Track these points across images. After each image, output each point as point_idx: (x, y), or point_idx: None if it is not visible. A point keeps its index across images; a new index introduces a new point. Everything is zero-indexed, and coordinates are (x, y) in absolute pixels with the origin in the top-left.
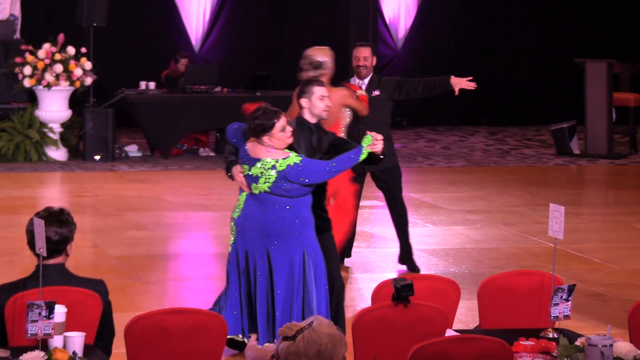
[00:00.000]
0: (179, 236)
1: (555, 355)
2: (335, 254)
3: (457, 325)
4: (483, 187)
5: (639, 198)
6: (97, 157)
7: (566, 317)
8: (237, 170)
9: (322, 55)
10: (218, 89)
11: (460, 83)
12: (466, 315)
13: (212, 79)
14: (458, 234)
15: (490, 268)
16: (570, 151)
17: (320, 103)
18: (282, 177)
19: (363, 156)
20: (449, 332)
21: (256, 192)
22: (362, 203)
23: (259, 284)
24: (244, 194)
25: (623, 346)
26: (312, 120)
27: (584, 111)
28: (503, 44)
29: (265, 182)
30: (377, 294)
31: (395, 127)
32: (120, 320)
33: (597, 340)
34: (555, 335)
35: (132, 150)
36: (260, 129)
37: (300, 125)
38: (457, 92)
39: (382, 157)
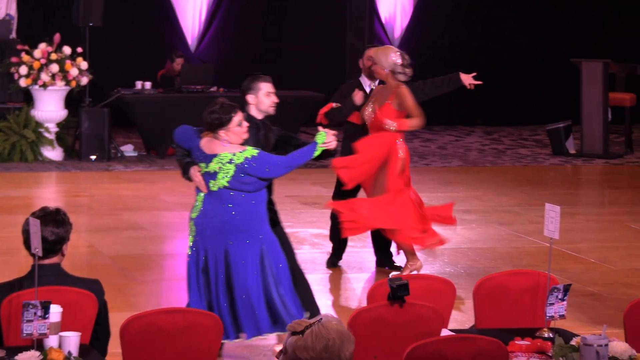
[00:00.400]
0: (175, 236)
1: (550, 354)
2: (289, 245)
3: (452, 324)
4: (479, 187)
5: (635, 198)
6: (93, 157)
7: (562, 316)
8: (194, 170)
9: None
10: (214, 88)
11: (468, 79)
12: (462, 315)
13: (208, 78)
14: (453, 234)
15: (486, 268)
16: (566, 151)
17: (267, 99)
18: (241, 170)
19: (317, 152)
20: (445, 332)
21: (215, 188)
22: None
23: (220, 281)
24: (202, 194)
25: (618, 346)
26: (259, 116)
27: (579, 111)
28: (498, 44)
29: (224, 177)
30: (372, 293)
31: None
32: (116, 320)
33: (593, 339)
34: (551, 335)
35: (128, 150)
36: (217, 123)
37: (247, 122)
38: (469, 86)
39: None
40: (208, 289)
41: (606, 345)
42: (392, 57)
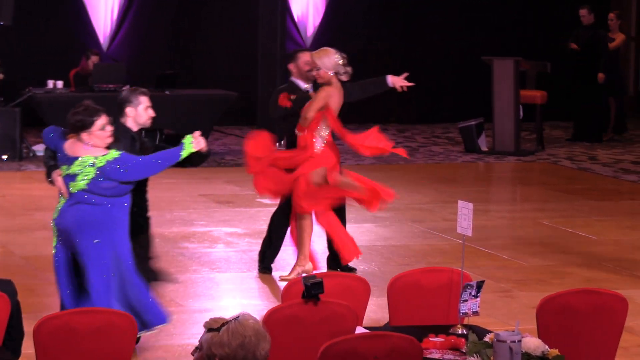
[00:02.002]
0: None
1: (464, 351)
2: (153, 254)
3: (367, 322)
4: (392, 184)
5: (546, 194)
6: (4, 157)
7: (475, 313)
8: (56, 174)
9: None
10: (126, 87)
11: (398, 81)
12: (376, 312)
13: (120, 77)
14: (367, 232)
15: (400, 265)
16: (478, 148)
17: (145, 113)
18: (102, 173)
19: (185, 153)
20: (359, 330)
21: (74, 190)
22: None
23: (81, 280)
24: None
25: (531, 342)
26: (135, 128)
27: (491, 109)
28: (412, 42)
29: (82, 180)
30: (287, 292)
31: None
32: (30, 321)
33: (506, 336)
34: (465, 332)
35: (40, 149)
36: (80, 125)
37: (122, 133)
38: (399, 89)
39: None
40: (76, 287)
41: (519, 341)
42: (335, 59)
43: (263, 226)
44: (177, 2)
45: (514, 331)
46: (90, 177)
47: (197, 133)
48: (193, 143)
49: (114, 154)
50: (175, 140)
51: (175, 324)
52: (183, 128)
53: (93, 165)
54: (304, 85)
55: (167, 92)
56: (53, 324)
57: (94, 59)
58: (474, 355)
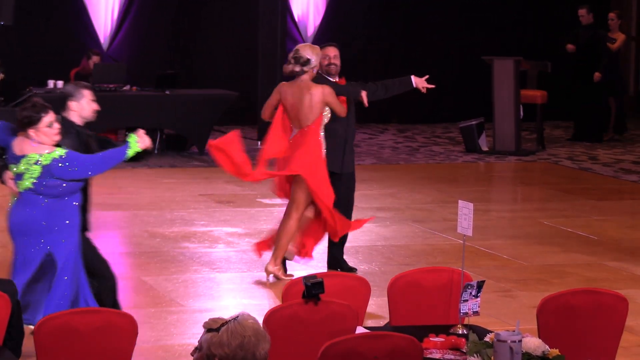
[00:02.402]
0: None
1: (464, 351)
2: (97, 251)
3: (367, 322)
4: (392, 184)
5: (547, 194)
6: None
7: (475, 313)
8: (7, 176)
9: (310, 52)
10: (127, 87)
11: (421, 82)
12: (376, 312)
13: (121, 77)
14: (368, 232)
15: (400, 265)
16: (479, 148)
17: (88, 107)
18: (47, 172)
19: (131, 152)
20: (360, 329)
21: (21, 190)
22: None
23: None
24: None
25: (532, 341)
26: (80, 122)
27: (491, 108)
28: (412, 42)
29: (29, 178)
30: (287, 291)
31: None
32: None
33: (506, 335)
34: (465, 332)
35: None
36: (27, 121)
37: (66, 128)
38: (423, 90)
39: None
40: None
41: (520, 341)
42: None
43: (264, 226)
44: (177, 2)
45: (514, 331)
46: (35, 175)
47: (142, 132)
48: (139, 142)
49: (60, 151)
50: (176, 140)
51: (176, 324)
52: (183, 128)
53: (38, 163)
54: (330, 79)
55: (167, 92)
56: (54, 324)
57: (94, 59)
58: (475, 355)
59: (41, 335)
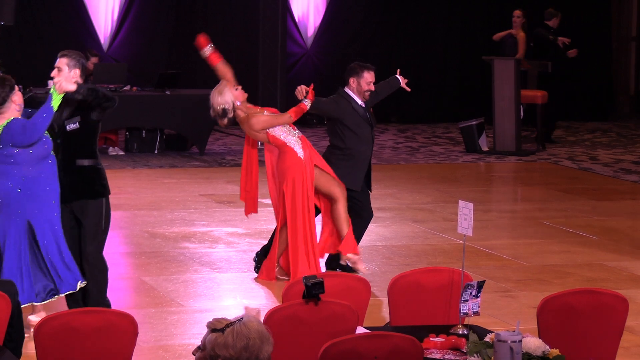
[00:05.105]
0: None
1: (465, 351)
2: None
3: (367, 322)
4: (393, 184)
5: (547, 194)
6: None
7: (475, 313)
8: None
9: (218, 100)
10: (127, 87)
11: (403, 81)
12: (377, 312)
13: (121, 77)
14: (368, 232)
15: (400, 265)
16: (479, 148)
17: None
18: (2, 141)
19: (55, 102)
20: (360, 330)
21: None
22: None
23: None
24: None
25: (532, 341)
26: None
27: (492, 108)
28: (412, 42)
29: None
30: (287, 292)
31: (305, 125)
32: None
33: (507, 336)
34: (465, 332)
35: None
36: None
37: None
38: (407, 88)
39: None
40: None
41: (520, 341)
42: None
43: (263, 226)
44: (177, 2)
45: (514, 331)
46: None
47: (56, 79)
48: (56, 89)
49: (8, 120)
50: (176, 140)
51: (176, 324)
52: (183, 128)
53: None
54: (359, 102)
55: (167, 92)
56: (54, 324)
57: (93, 59)
58: (475, 355)
59: (41, 335)
